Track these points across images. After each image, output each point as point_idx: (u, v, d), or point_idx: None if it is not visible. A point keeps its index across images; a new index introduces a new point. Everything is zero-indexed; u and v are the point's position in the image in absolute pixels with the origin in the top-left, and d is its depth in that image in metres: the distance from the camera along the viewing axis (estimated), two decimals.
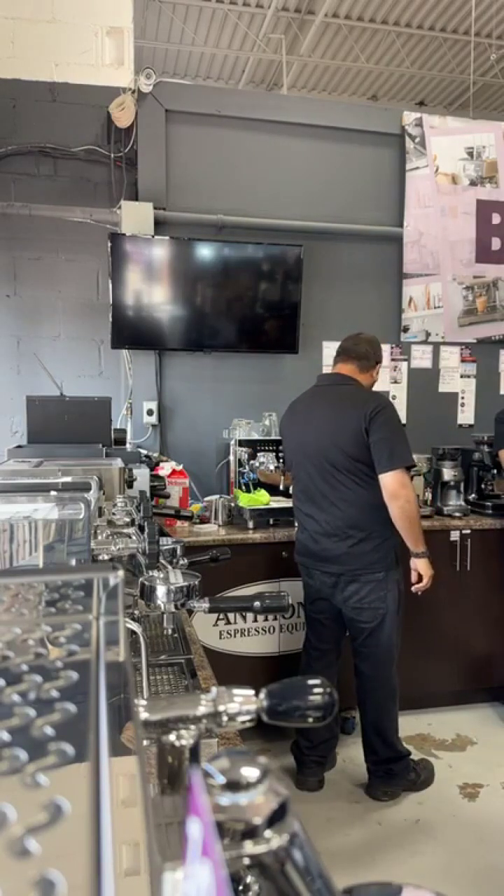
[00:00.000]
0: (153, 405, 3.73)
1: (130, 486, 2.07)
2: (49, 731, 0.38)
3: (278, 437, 3.51)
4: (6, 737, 0.38)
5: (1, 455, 2.22)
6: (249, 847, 0.41)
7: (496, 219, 4.19)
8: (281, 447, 3.21)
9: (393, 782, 2.79)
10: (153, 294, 3.62)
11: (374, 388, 2.95)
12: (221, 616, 3.14)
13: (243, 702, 0.63)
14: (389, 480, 2.59)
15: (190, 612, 1.74)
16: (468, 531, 3.47)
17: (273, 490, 3.40)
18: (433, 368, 4.20)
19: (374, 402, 2.68)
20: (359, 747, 2.89)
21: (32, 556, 1.18)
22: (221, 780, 0.43)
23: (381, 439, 2.60)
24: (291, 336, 3.80)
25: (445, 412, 4.23)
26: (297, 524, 2.93)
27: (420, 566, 2.77)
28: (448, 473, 3.65)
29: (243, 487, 3.46)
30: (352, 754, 3.11)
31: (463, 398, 4.25)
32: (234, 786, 0.43)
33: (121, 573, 0.69)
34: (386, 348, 4.10)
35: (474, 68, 6.47)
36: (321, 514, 2.73)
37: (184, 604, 1.32)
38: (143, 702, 0.61)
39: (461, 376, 4.24)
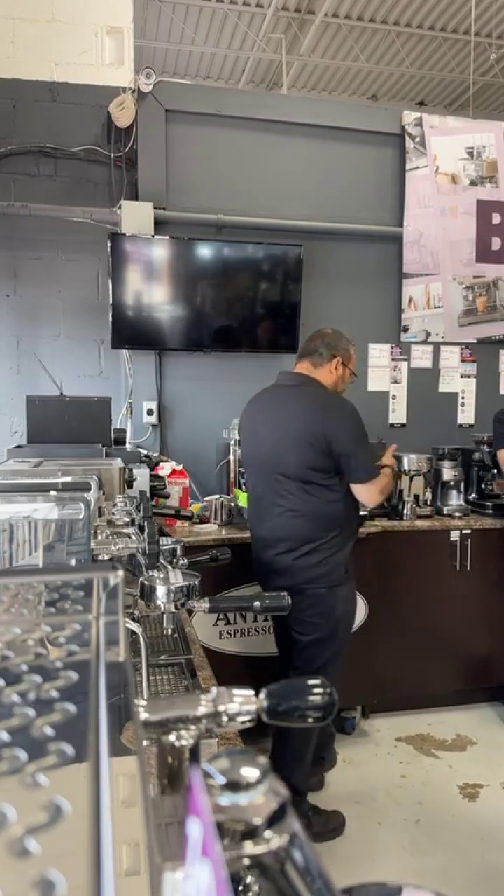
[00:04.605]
0: (153, 405, 3.73)
1: (130, 486, 2.07)
2: (49, 731, 0.38)
3: None
4: (6, 737, 0.38)
5: (1, 455, 2.22)
6: (249, 847, 0.41)
7: (496, 219, 4.19)
8: None
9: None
10: (153, 294, 3.62)
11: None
12: (221, 616, 3.14)
13: (243, 702, 0.63)
14: (364, 494, 2.48)
15: (190, 612, 1.74)
16: (468, 531, 3.47)
17: None
18: (433, 368, 4.20)
19: (332, 409, 2.49)
20: (359, 747, 2.90)
21: (32, 556, 1.18)
22: (221, 780, 0.43)
23: (347, 453, 2.43)
24: (291, 336, 3.79)
25: (445, 412, 4.23)
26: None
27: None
28: (448, 473, 3.65)
29: (243, 487, 3.46)
30: (352, 754, 3.11)
31: (463, 398, 4.25)
32: (234, 786, 0.43)
33: (121, 573, 0.69)
34: (386, 348, 4.11)
35: (474, 68, 6.46)
36: (268, 524, 2.56)
37: (184, 604, 1.32)
38: (143, 702, 0.61)
39: (461, 376, 4.24)
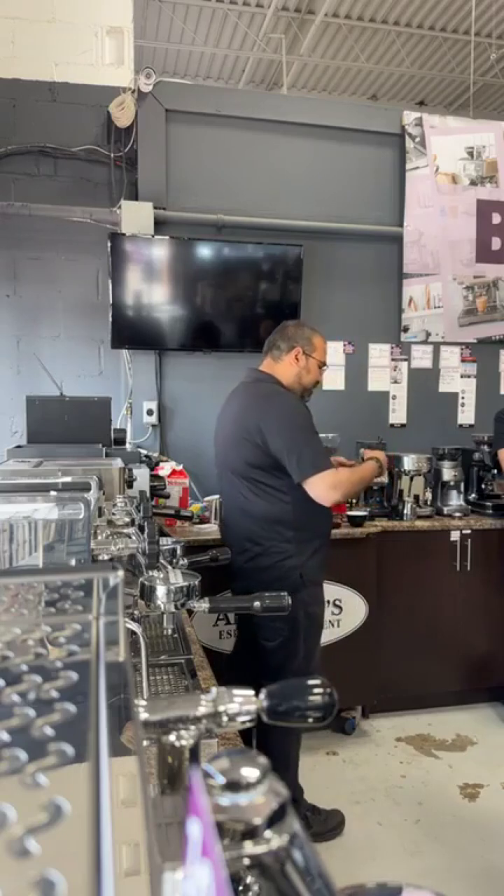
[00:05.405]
0: (153, 405, 3.73)
1: (130, 486, 2.07)
2: (49, 731, 0.38)
3: None
4: (6, 737, 0.38)
5: (1, 455, 2.22)
6: (249, 847, 0.41)
7: (496, 219, 4.19)
8: None
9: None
10: (153, 294, 3.62)
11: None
12: (221, 616, 3.13)
13: (243, 702, 0.63)
14: (311, 490, 2.30)
15: (190, 612, 1.74)
16: (468, 531, 3.47)
17: None
18: (433, 368, 4.20)
19: (268, 404, 2.40)
20: (359, 747, 2.89)
21: (32, 556, 1.18)
22: (221, 780, 0.43)
23: (281, 449, 2.31)
24: None
25: (445, 412, 4.23)
26: None
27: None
28: (448, 473, 3.65)
29: None
30: (352, 754, 3.11)
31: (463, 398, 4.25)
32: (234, 786, 0.43)
33: (121, 573, 0.69)
34: (386, 348, 4.11)
35: (474, 68, 6.46)
36: (227, 523, 2.55)
37: (184, 604, 1.32)
38: (143, 702, 0.61)
39: (461, 376, 4.24)
